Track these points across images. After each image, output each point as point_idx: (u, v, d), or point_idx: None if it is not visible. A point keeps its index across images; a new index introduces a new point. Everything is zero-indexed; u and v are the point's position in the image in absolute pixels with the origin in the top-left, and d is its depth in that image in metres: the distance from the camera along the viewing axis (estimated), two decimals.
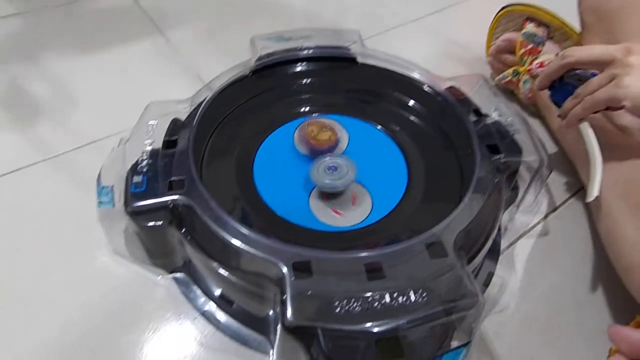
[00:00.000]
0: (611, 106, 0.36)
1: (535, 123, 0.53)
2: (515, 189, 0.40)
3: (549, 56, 0.50)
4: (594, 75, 0.38)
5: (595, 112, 0.38)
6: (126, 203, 0.33)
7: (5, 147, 0.47)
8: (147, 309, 0.35)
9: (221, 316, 0.35)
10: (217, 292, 0.35)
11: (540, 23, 0.51)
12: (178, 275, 0.37)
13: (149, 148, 0.36)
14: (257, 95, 0.46)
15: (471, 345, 0.29)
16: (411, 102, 0.47)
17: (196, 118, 0.39)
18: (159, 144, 0.37)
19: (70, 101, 0.53)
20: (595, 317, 0.37)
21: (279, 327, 0.28)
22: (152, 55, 0.60)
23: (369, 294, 0.27)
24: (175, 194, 0.33)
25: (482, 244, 0.33)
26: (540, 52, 0.51)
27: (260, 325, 0.33)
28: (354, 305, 0.27)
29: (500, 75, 0.55)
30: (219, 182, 0.39)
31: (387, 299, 0.27)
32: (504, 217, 0.39)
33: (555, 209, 0.44)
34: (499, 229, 0.40)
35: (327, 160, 0.39)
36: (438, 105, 0.44)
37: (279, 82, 0.47)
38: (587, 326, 0.36)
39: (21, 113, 0.51)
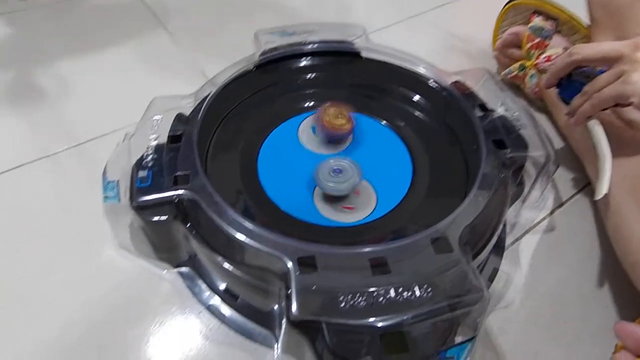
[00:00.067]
0: (619, 103, 0.36)
1: (541, 118, 0.52)
2: (521, 185, 0.40)
3: (556, 50, 0.50)
4: (602, 72, 0.38)
5: (604, 109, 0.38)
6: (131, 198, 0.33)
7: (11, 142, 0.47)
8: (152, 303, 0.35)
9: (226, 310, 0.35)
10: (222, 286, 0.35)
11: (547, 16, 0.50)
12: (183, 269, 0.37)
13: (154, 143, 0.37)
14: (261, 90, 0.46)
15: (476, 340, 0.29)
16: (416, 97, 0.47)
17: (201, 113, 0.39)
18: (163, 139, 0.37)
19: (75, 96, 0.53)
20: (601, 313, 0.36)
21: (283, 321, 0.28)
22: (155, 50, 0.60)
23: (373, 289, 0.27)
24: (181, 189, 0.33)
25: (487, 239, 0.33)
26: (547, 46, 0.50)
27: (265, 319, 0.33)
28: (359, 300, 0.27)
29: (507, 70, 0.54)
30: (224, 177, 0.39)
31: (392, 293, 0.27)
32: (510, 213, 0.39)
33: (561, 205, 0.44)
34: (504, 225, 0.40)
35: (332, 162, 0.38)
36: (443, 100, 0.44)
37: (283, 77, 0.47)
38: (592, 322, 0.36)
39: (26, 109, 0.51)
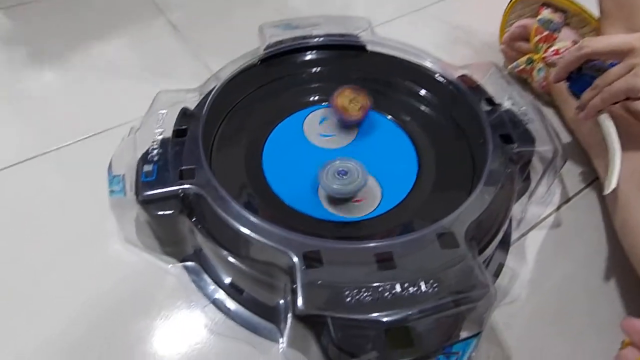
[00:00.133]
0: (630, 96, 0.36)
1: (549, 112, 0.52)
2: (527, 180, 0.39)
3: (565, 43, 0.49)
4: (612, 65, 0.37)
5: (614, 103, 0.37)
6: (137, 192, 0.33)
7: (16, 137, 0.47)
8: (158, 297, 0.35)
9: (231, 304, 0.35)
10: (227, 280, 0.36)
11: (556, 8, 0.50)
12: (189, 263, 0.37)
13: (159, 137, 0.37)
14: (265, 84, 0.46)
15: (481, 336, 0.29)
16: (422, 91, 0.46)
17: (205, 107, 0.39)
18: (169, 133, 0.37)
19: (80, 90, 0.53)
20: (607, 308, 0.36)
21: (289, 315, 0.28)
22: (159, 43, 0.60)
23: (379, 284, 0.27)
24: (186, 183, 0.33)
25: (493, 234, 0.33)
26: (555, 39, 0.50)
27: (270, 313, 0.33)
28: (364, 294, 0.27)
29: (514, 64, 0.54)
30: (229, 171, 0.39)
31: (398, 289, 0.27)
32: (516, 208, 0.39)
33: (568, 200, 0.44)
34: (510, 220, 0.40)
35: (337, 163, 0.38)
36: (449, 94, 0.44)
37: (288, 71, 0.47)
38: (599, 318, 0.36)
39: (30, 103, 0.51)
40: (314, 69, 0.48)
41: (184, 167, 0.34)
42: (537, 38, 0.50)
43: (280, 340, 0.33)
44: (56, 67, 0.56)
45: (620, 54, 0.36)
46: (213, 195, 0.32)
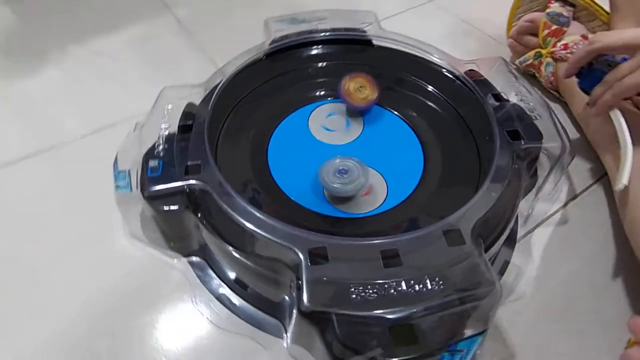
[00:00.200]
0: None
1: (557, 108, 0.51)
2: (534, 176, 0.39)
3: (574, 38, 0.48)
4: (624, 60, 0.37)
5: (626, 99, 0.37)
6: (143, 187, 0.33)
7: (22, 132, 0.48)
8: (163, 292, 0.36)
9: (236, 300, 0.35)
10: (232, 276, 0.36)
11: (565, 2, 0.49)
12: (194, 259, 0.37)
13: (164, 132, 0.36)
14: (271, 79, 0.46)
15: (486, 333, 0.29)
16: (428, 86, 0.46)
17: (211, 102, 0.38)
18: (174, 129, 0.37)
19: (85, 86, 0.53)
20: (613, 307, 0.36)
21: (294, 311, 0.28)
22: (165, 38, 0.60)
23: (384, 281, 0.27)
24: (192, 179, 0.33)
25: (500, 232, 0.33)
26: (564, 33, 0.49)
27: (275, 309, 0.34)
28: (370, 291, 0.27)
29: (522, 58, 0.53)
30: (234, 167, 0.39)
31: (403, 286, 0.27)
32: (522, 205, 0.38)
33: (575, 197, 0.43)
34: (517, 217, 0.40)
35: (337, 162, 0.37)
36: (456, 89, 0.43)
37: (294, 66, 0.47)
38: (604, 316, 0.35)
39: (37, 99, 0.51)
40: (319, 64, 0.48)
41: (189, 163, 0.34)
42: (545, 32, 0.49)
43: (285, 336, 0.33)
44: (60, 62, 0.56)
45: (633, 49, 0.35)
46: (218, 191, 0.32)
